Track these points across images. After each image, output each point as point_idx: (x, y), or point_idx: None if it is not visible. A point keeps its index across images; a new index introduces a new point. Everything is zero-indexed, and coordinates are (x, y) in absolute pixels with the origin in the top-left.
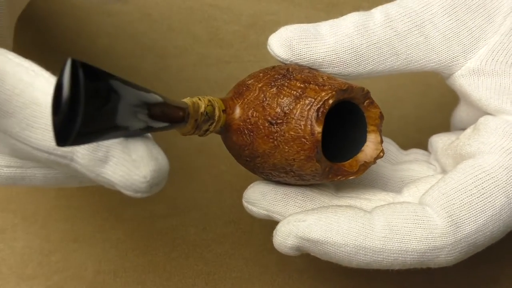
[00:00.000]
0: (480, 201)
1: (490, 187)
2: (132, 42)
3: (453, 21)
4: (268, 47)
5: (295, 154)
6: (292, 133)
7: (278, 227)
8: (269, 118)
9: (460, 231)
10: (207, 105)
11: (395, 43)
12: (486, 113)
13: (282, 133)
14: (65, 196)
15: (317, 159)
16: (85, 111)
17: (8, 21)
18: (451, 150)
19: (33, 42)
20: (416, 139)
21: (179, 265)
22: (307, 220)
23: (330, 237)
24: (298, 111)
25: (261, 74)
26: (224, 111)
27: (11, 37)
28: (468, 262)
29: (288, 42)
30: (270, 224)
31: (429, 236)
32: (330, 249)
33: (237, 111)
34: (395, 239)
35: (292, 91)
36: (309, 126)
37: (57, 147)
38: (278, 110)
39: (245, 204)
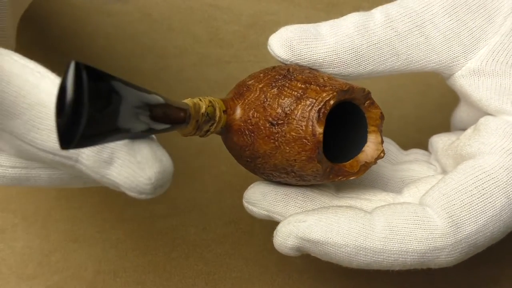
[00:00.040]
0: (481, 202)
1: (490, 188)
2: (132, 42)
3: (454, 21)
4: (268, 47)
5: (296, 154)
6: (293, 133)
7: (279, 227)
8: (270, 119)
9: (460, 231)
10: (208, 106)
11: (395, 44)
12: (487, 113)
13: (283, 133)
14: (65, 196)
15: (318, 160)
16: (89, 113)
17: (11, 21)
18: (451, 151)
19: (33, 42)
20: (416, 139)
21: (179, 265)
22: (308, 221)
23: (331, 238)
24: (299, 112)
25: (261, 75)
26: (224, 111)
27: (14, 37)
28: (468, 263)
29: (288, 43)
30: (270, 225)
31: (430, 236)
32: (330, 249)
33: (238, 112)
34: (396, 240)
35: (293, 92)
36: (310, 127)
37: None
38: (279, 110)
39: (245, 204)
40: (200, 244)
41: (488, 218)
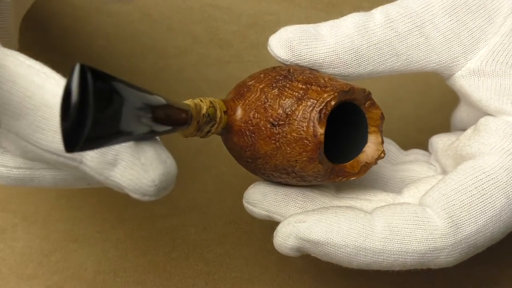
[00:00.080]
0: (480, 202)
1: (490, 188)
2: (132, 42)
3: (454, 21)
4: (268, 47)
5: (297, 155)
6: (295, 134)
7: (279, 228)
8: (271, 120)
9: (460, 232)
10: (209, 107)
11: (395, 44)
12: (487, 113)
13: (284, 134)
14: (65, 196)
15: (319, 161)
16: (94, 115)
17: (13, 21)
18: (451, 151)
19: (34, 42)
20: (416, 139)
21: (179, 265)
22: (308, 221)
23: (330, 238)
24: (300, 113)
25: (262, 75)
26: (225, 112)
27: (17, 37)
28: (468, 263)
29: (288, 43)
30: (270, 225)
31: (429, 237)
32: (330, 250)
33: (239, 112)
34: (395, 240)
35: (294, 93)
36: (311, 128)
37: None
38: (280, 111)
39: (245, 204)
40: (200, 244)
41: (488, 219)
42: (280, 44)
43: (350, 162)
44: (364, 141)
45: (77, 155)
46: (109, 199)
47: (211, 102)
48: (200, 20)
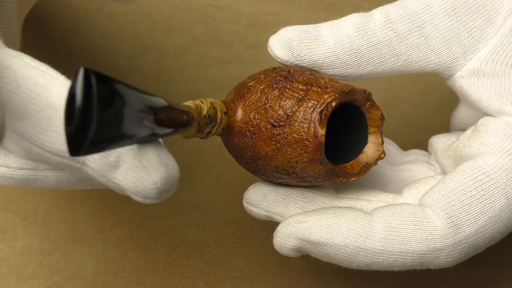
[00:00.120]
0: (480, 203)
1: (489, 189)
2: (132, 42)
3: (453, 22)
4: (268, 48)
5: (298, 156)
6: (295, 135)
7: (279, 228)
8: (272, 121)
9: (459, 232)
10: (210, 108)
11: (395, 44)
12: (486, 114)
13: (285, 135)
14: (66, 196)
15: (320, 161)
16: (98, 118)
17: (16, 21)
18: (451, 151)
19: (34, 42)
20: (416, 139)
21: (179, 265)
22: (307, 222)
23: (330, 239)
24: (301, 114)
25: (262, 76)
26: (225, 113)
27: (19, 37)
28: (468, 263)
29: (288, 44)
30: (270, 225)
31: (429, 237)
32: (330, 250)
33: (239, 113)
34: (395, 241)
35: (295, 94)
36: (312, 129)
37: None
38: (281, 112)
39: (245, 205)
40: (200, 244)
41: (488, 219)
42: (280, 44)
43: (350, 162)
44: (364, 142)
45: (80, 157)
46: (109, 199)
47: (211, 103)
48: (200, 20)
